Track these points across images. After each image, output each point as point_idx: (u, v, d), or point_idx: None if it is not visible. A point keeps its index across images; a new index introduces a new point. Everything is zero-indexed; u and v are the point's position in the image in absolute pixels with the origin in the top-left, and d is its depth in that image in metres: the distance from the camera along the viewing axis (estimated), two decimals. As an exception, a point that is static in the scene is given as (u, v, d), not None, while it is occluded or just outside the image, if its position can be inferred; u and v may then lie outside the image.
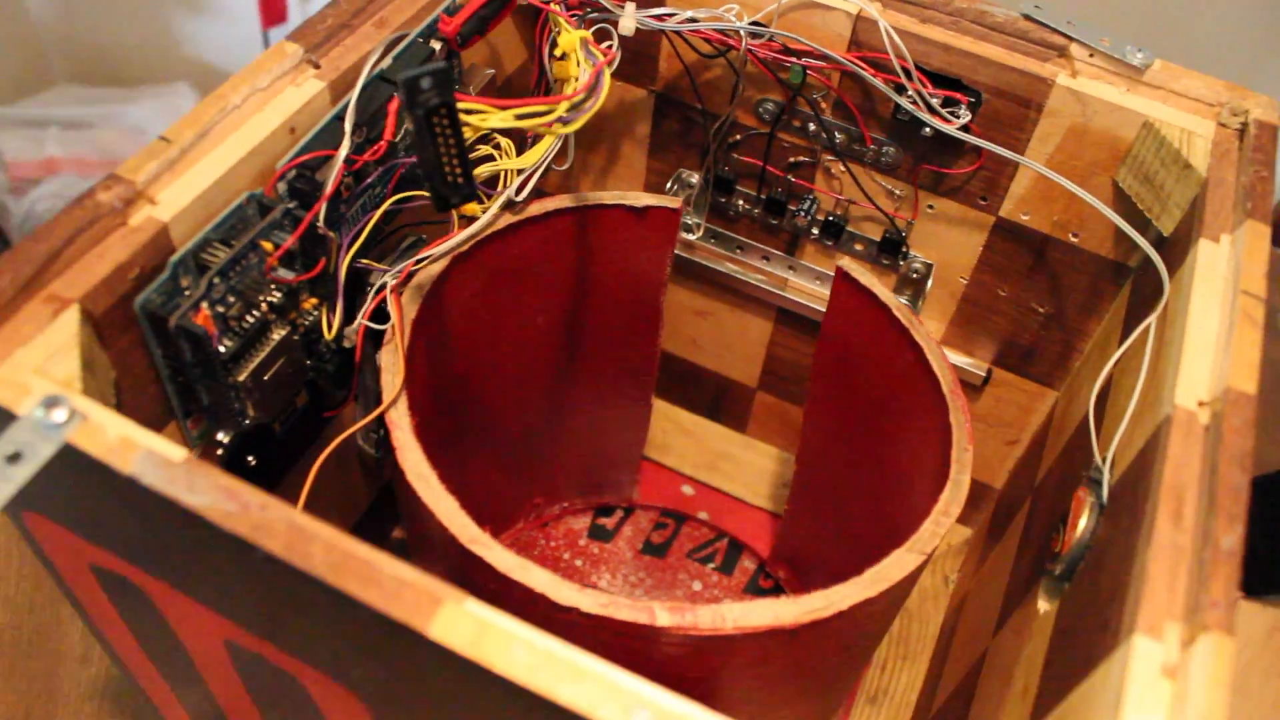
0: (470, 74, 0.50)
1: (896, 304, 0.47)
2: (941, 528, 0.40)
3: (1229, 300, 0.38)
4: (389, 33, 0.45)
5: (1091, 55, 0.47)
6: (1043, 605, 0.42)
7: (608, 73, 0.40)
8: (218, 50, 1.77)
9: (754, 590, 0.67)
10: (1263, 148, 0.44)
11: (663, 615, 0.36)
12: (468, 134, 0.36)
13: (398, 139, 0.43)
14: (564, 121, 0.39)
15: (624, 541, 0.69)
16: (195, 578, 0.33)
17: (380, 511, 0.62)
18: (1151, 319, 0.41)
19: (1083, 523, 0.40)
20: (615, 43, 0.49)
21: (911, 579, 0.40)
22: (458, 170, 0.36)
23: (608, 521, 0.69)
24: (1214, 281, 0.39)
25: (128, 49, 1.81)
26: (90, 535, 0.35)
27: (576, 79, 0.45)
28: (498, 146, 0.47)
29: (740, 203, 0.58)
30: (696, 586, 0.67)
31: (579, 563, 0.67)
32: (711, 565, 0.68)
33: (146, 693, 0.49)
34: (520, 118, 0.37)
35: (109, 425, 0.30)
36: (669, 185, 0.59)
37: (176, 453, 0.30)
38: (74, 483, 0.31)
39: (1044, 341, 0.56)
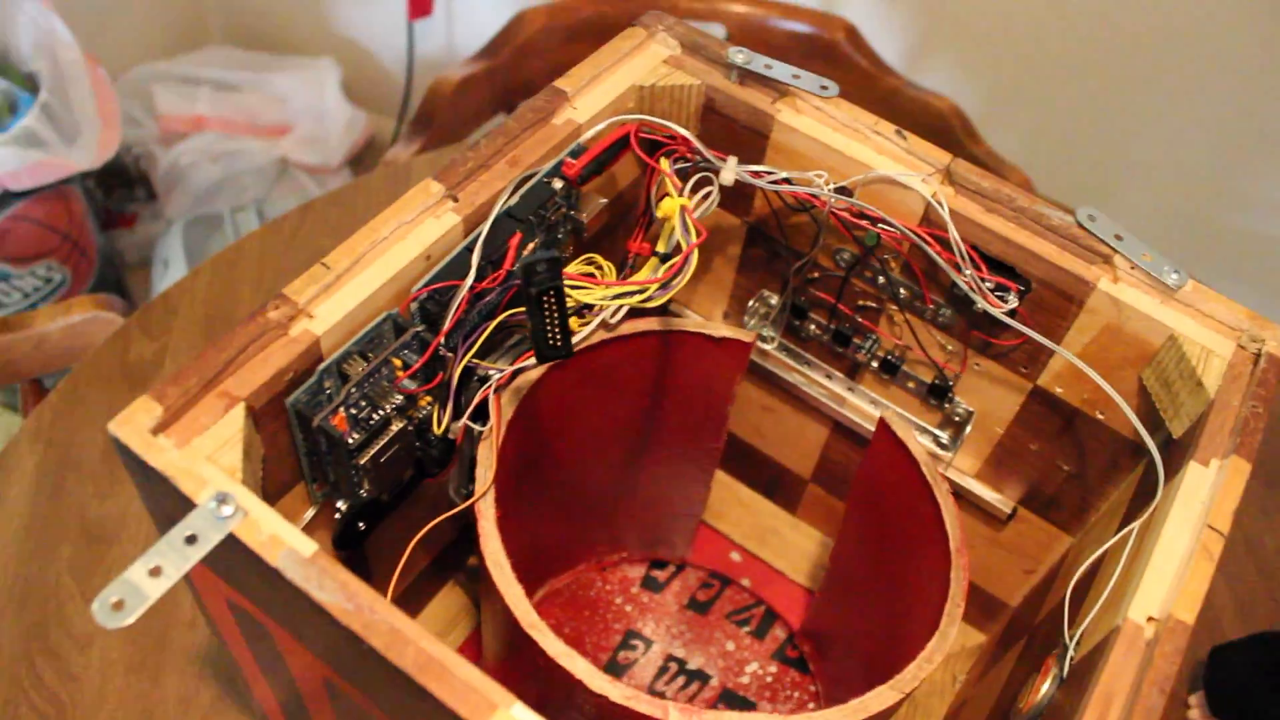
0: (585, 201, 0.57)
1: (926, 460, 0.54)
2: (924, 671, 0.47)
3: (1198, 529, 0.44)
4: (520, 171, 0.52)
5: (1133, 268, 0.53)
6: (1004, 750, 0.49)
7: (696, 254, 0.47)
8: (364, 31, 1.87)
9: (780, 658, 0.74)
10: (1266, 383, 0.49)
11: (674, 714, 0.44)
12: (570, 304, 0.44)
13: (514, 268, 0.51)
14: (654, 299, 0.46)
15: (671, 595, 0.76)
16: (310, 636, 0.41)
17: (461, 544, 0.71)
18: (1136, 525, 0.47)
19: (1044, 688, 0.46)
20: (715, 189, 0.56)
21: (889, 711, 0.47)
22: (558, 337, 0.44)
23: (660, 574, 0.77)
24: (1193, 506, 0.45)
25: (281, 18, 1.92)
26: (231, 582, 0.43)
27: (674, 227, 0.52)
28: (599, 268, 0.55)
29: (812, 327, 0.65)
30: (729, 646, 0.74)
31: (628, 608, 0.75)
32: (746, 629, 0.75)
33: (243, 673, 0.58)
34: (617, 297, 0.45)
35: (263, 523, 0.38)
36: (751, 301, 0.66)
37: (308, 548, 0.38)
38: (229, 553, 0.40)
39: (1065, 494, 0.62)
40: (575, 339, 0.54)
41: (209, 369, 0.43)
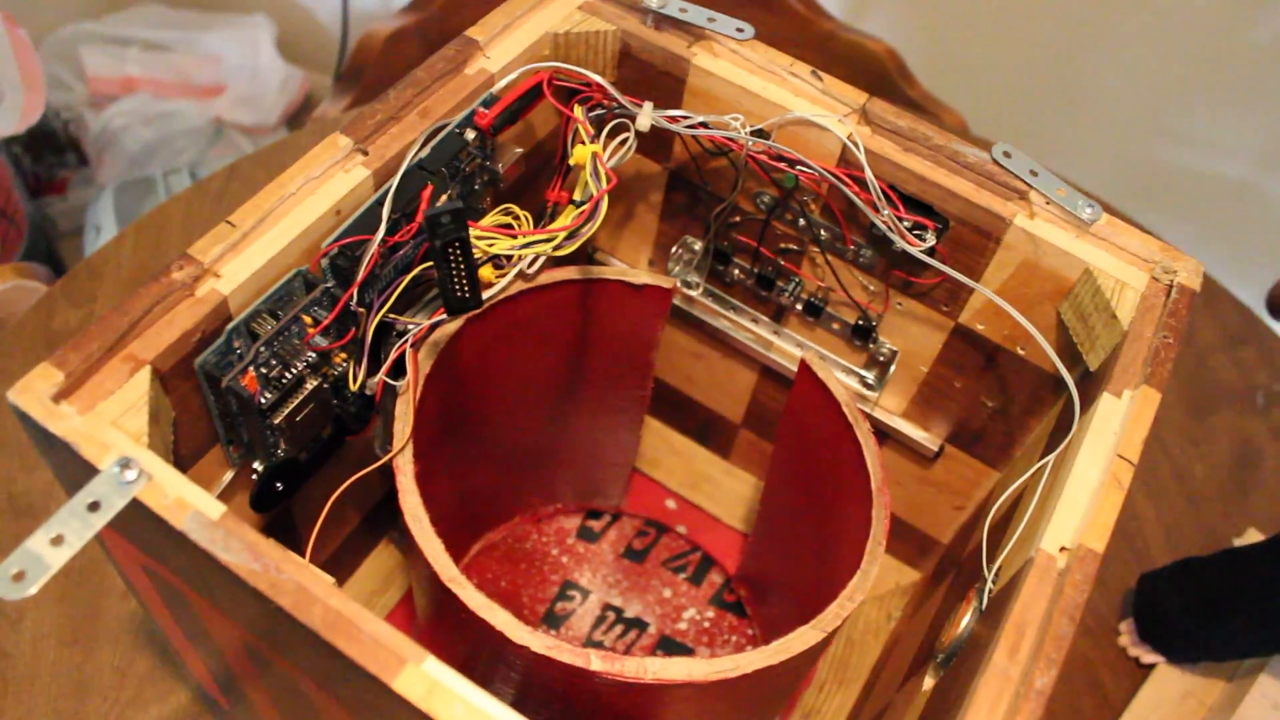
0: (500, 152, 0.56)
1: (847, 401, 0.54)
2: (845, 610, 0.48)
3: (1109, 459, 0.45)
4: (431, 123, 0.52)
5: (1048, 203, 0.53)
6: (927, 682, 0.49)
7: (605, 201, 0.47)
8: (299, -16, 1.84)
9: (718, 603, 0.74)
10: (1177, 313, 0.50)
11: (596, 662, 0.44)
12: (477, 254, 0.44)
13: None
14: (563, 247, 0.46)
15: (608, 544, 0.77)
16: (225, 600, 0.41)
17: (393, 502, 0.70)
18: (1050, 458, 0.48)
19: (964, 621, 0.47)
20: (632, 136, 0.55)
21: (813, 651, 0.47)
22: (466, 288, 0.43)
23: (595, 524, 0.77)
24: (1105, 435, 0.46)
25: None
26: (145, 549, 0.43)
27: (587, 174, 0.51)
28: (517, 218, 0.55)
29: (736, 272, 0.65)
30: (666, 593, 0.75)
31: (565, 559, 0.75)
32: (683, 575, 0.76)
33: (171, 644, 0.58)
34: (524, 246, 0.44)
35: (168, 486, 0.38)
36: (675, 248, 0.66)
37: (215, 510, 0.38)
38: (137, 519, 0.39)
39: (990, 430, 0.62)
40: (493, 290, 0.54)
41: (111, 333, 0.42)
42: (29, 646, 0.69)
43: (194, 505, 0.38)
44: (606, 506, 0.77)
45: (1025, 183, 0.53)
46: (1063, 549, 0.42)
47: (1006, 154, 0.53)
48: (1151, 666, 0.75)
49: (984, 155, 0.54)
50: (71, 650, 0.69)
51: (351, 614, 0.36)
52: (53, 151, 1.74)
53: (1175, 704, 0.75)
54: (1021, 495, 0.52)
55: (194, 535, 0.37)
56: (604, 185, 0.47)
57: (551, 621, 0.72)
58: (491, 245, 0.44)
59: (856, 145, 0.54)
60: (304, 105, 1.85)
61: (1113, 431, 0.46)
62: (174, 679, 0.67)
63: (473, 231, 0.43)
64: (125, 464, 0.38)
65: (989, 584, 0.47)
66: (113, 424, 0.40)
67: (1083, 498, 0.44)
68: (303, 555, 0.50)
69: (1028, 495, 0.50)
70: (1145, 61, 1.33)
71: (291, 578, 0.36)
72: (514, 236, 0.44)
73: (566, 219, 0.51)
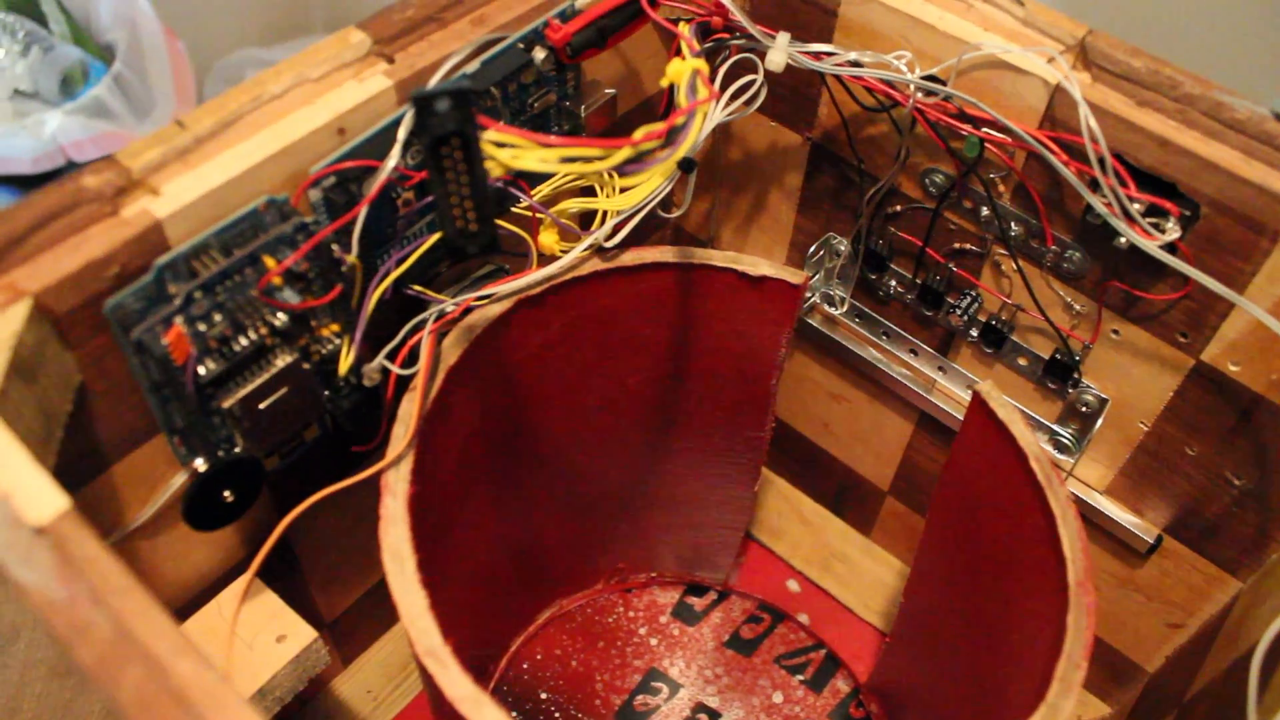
0: (588, 90, 0.43)
1: (1037, 453, 0.38)
2: (1021, 762, 0.31)
3: None
4: (486, 32, 0.39)
5: (1356, 183, 0.36)
6: None
7: (700, 117, 0.32)
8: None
9: (841, 717, 0.58)
10: None
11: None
12: (494, 170, 0.30)
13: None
14: (631, 174, 0.32)
15: (709, 628, 0.61)
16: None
17: (439, 546, 0.57)
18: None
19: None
20: (760, 78, 0.42)
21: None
22: (470, 215, 0.29)
23: (697, 602, 0.62)
24: None
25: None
26: None
27: (683, 96, 0.37)
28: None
29: (892, 283, 0.49)
30: (777, 698, 0.59)
31: (654, 641, 0.60)
32: (800, 677, 0.59)
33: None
34: (566, 160, 0.30)
35: (-27, 458, 0.25)
36: (814, 249, 0.51)
37: (45, 509, 0.25)
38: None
39: (1234, 520, 0.45)
40: (554, 267, 0.40)
41: (-22, 248, 0.30)
42: (16, 673, 0.58)
43: (2, 490, 0.25)
44: (712, 581, 0.62)
45: (1324, 152, 0.37)
46: (1402, 704, 0.25)
47: (1296, 110, 0.37)
48: None
49: (1261, 110, 0.37)
50: (62, 684, 0.58)
51: (190, 691, 0.22)
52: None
53: None
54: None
55: (-16, 535, 0.24)
56: (699, 98, 0.32)
57: (627, 718, 0.57)
58: (516, 157, 0.30)
59: (1073, 95, 0.38)
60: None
61: None
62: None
63: (489, 135, 0.29)
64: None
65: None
66: (-51, 371, 0.28)
67: None
68: (309, 604, 0.37)
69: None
70: None
71: (109, 620, 0.23)
72: (547, 145, 0.30)
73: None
